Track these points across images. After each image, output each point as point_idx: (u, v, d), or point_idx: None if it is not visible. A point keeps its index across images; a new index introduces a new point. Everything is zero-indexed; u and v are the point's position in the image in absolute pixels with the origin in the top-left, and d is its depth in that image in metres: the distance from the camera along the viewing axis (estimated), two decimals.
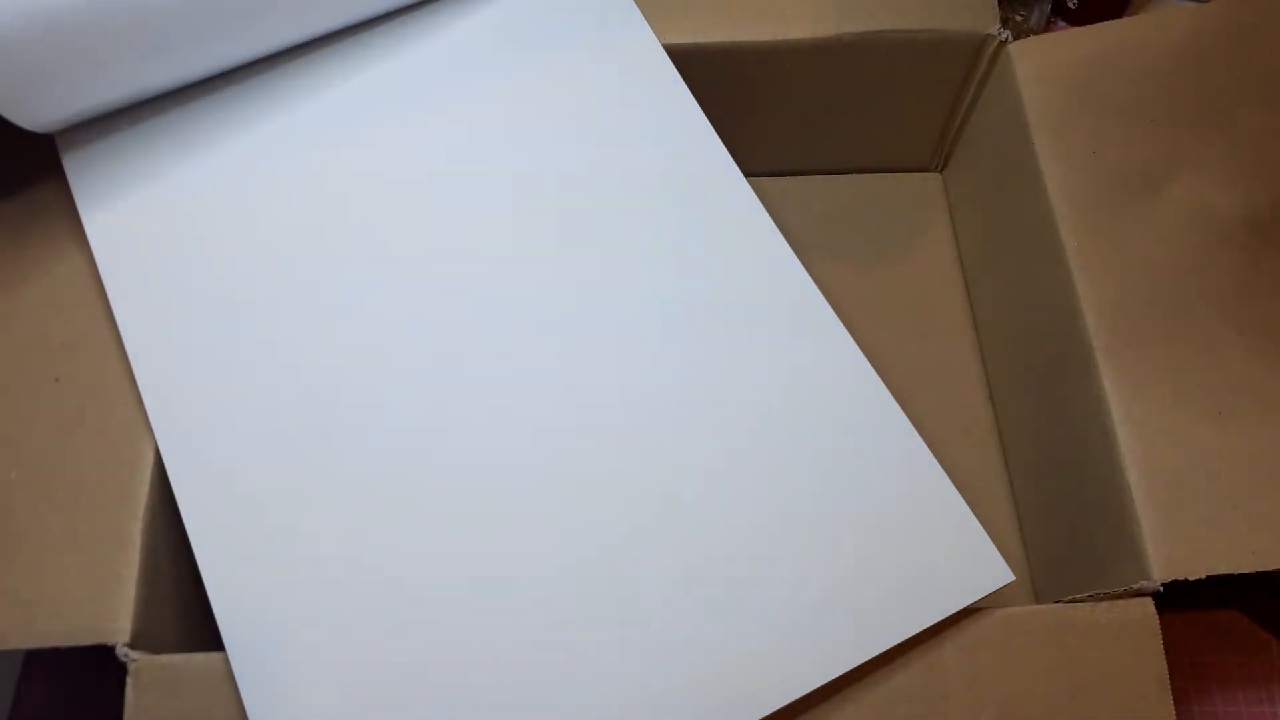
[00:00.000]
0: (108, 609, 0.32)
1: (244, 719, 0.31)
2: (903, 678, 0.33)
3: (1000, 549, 0.35)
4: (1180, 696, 0.33)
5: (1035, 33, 0.50)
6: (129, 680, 0.31)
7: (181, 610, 0.34)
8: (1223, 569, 0.33)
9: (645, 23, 0.40)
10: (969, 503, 0.35)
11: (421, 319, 0.36)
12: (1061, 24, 0.52)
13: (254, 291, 0.36)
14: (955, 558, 0.35)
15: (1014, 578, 0.35)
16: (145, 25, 0.35)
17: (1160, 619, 0.33)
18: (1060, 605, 0.34)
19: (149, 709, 0.31)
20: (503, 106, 0.39)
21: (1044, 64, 0.41)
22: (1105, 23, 0.42)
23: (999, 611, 0.34)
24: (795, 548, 0.34)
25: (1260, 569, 0.33)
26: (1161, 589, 0.33)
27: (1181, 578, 0.33)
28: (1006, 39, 0.42)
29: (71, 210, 0.37)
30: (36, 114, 0.36)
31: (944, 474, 0.36)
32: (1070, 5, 0.51)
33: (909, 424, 0.36)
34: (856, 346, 0.37)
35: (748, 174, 0.39)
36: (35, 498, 0.33)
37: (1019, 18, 0.50)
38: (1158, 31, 0.41)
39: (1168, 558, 0.33)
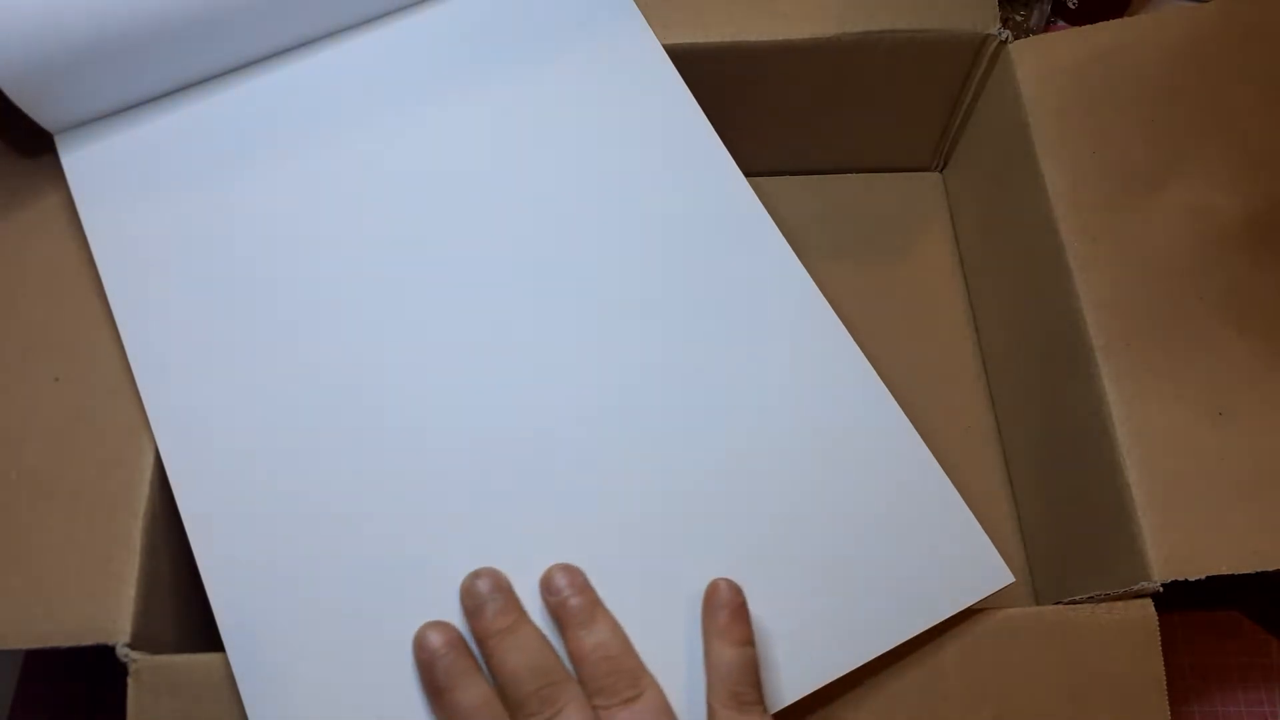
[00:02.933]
0: (108, 609, 0.32)
1: (244, 719, 0.31)
2: (903, 679, 0.33)
3: (1000, 550, 0.35)
4: (1180, 696, 0.33)
5: (1035, 33, 0.50)
6: (129, 680, 0.31)
7: (181, 610, 0.34)
8: (1223, 569, 0.33)
9: (645, 23, 0.40)
10: (969, 503, 0.35)
11: (421, 318, 0.36)
12: (1061, 24, 0.52)
13: (253, 291, 0.36)
14: (955, 559, 0.35)
15: (1014, 579, 0.35)
16: (166, 27, 0.35)
17: (1160, 619, 0.33)
18: (1060, 606, 0.34)
19: (149, 709, 0.31)
20: (503, 106, 0.39)
21: (1044, 64, 0.41)
22: (1105, 23, 0.42)
23: (999, 613, 0.34)
24: (795, 549, 0.34)
25: (1260, 569, 0.33)
26: (1161, 589, 0.33)
27: (1181, 578, 0.33)
28: (1006, 39, 0.42)
29: (71, 210, 0.37)
30: (57, 112, 0.36)
31: (944, 474, 0.36)
32: (1070, 5, 0.51)
33: (909, 424, 0.36)
34: (856, 346, 0.37)
35: (748, 174, 0.39)
36: (35, 498, 0.33)
37: (1019, 18, 0.50)
38: (1158, 31, 0.41)
39: (1168, 558, 0.33)
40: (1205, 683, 0.43)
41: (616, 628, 0.32)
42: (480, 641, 0.32)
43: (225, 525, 0.33)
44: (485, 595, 0.32)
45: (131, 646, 0.31)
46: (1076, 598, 0.35)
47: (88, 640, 0.31)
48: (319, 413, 0.35)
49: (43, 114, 0.36)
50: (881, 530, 0.35)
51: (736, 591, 0.32)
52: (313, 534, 0.33)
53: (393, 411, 0.35)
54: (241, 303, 0.36)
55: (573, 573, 0.33)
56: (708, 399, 0.36)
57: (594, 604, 0.32)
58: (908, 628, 0.33)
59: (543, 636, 0.32)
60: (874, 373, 0.37)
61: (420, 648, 0.31)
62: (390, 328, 0.36)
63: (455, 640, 0.31)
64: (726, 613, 0.32)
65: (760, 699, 0.31)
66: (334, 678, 0.32)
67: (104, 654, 0.31)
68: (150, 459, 0.34)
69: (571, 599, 0.32)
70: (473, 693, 0.31)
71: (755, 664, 0.31)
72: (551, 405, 0.35)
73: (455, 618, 0.32)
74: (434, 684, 0.31)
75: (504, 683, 0.31)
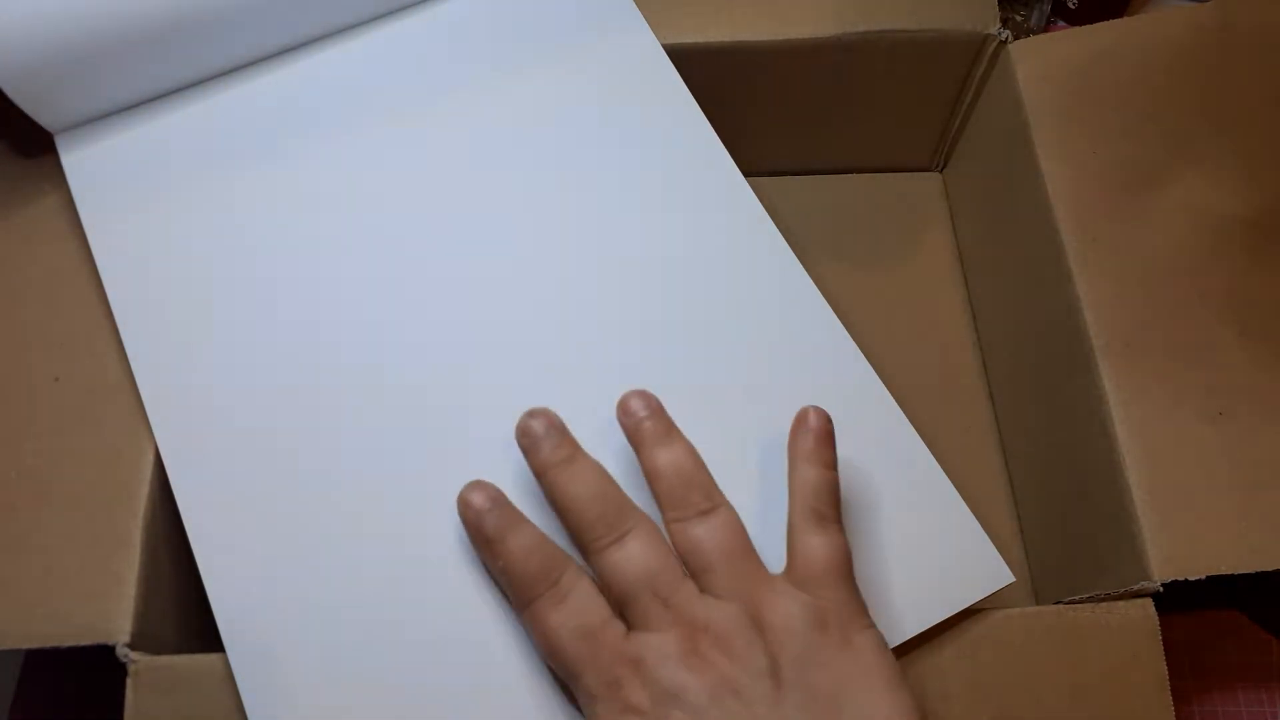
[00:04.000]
0: (108, 609, 0.32)
1: (244, 719, 0.31)
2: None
3: (1000, 550, 0.35)
4: (1180, 696, 0.33)
5: (1035, 33, 0.50)
6: (129, 681, 0.31)
7: (181, 610, 0.34)
8: (1223, 569, 0.33)
9: (645, 23, 0.40)
10: (969, 503, 0.35)
11: (420, 320, 0.36)
12: (1061, 24, 0.52)
13: (254, 291, 0.36)
14: (955, 559, 0.35)
15: (1014, 579, 0.35)
16: (167, 27, 0.36)
17: (1160, 619, 0.33)
18: (1060, 606, 0.34)
19: (149, 710, 0.31)
20: (502, 107, 0.39)
21: (1044, 64, 0.41)
22: (1105, 23, 0.42)
23: (999, 612, 0.34)
24: None
25: (1260, 569, 0.33)
26: (1161, 589, 0.33)
27: (1181, 578, 0.33)
28: (1006, 39, 0.42)
29: (71, 210, 0.37)
30: (57, 113, 0.36)
31: (944, 474, 0.36)
32: (1070, 5, 0.51)
33: (909, 424, 0.36)
34: (856, 347, 0.37)
35: (748, 174, 0.39)
36: (35, 498, 0.33)
37: (1019, 18, 0.50)
38: (1158, 31, 0.41)
39: (1168, 558, 0.33)
40: (1205, 683, 0.43)
41: (691, 449, 0.33)
42: (539, 474, 0.32)
43: (225, 525, 0.33)
44: (541, 432, 0.32)
45: (131, 646, 0.31)
46: (1076, 598, 0.35)
47: (88, 640, 0.31)
48: (320, 412, 0.35)
49: (43, 114, 0.36)
50: (881, 530, 0.35)
51: (825, 419, 0.33)
52: (313, 534, 0.33)
53: (393, 412, 0.35)
54: (242, 303, 0.36)
55: (648, 397, 0.33)
56: (706, 400, 0.36)
57: (670, 426, 0.33)
58: (908, 627, 0.33)
59: (601, 468, 0.32)
60: (874, 373, 0.37)
61: (466, 505, 0.31)
62: (390, 328, 0.36)
63: (500, 497, 0.32)
64: (813, 437, 0.32)
65: (839, 518, 0.32)
66: (334, 678, 0.32)
67: (104, 654, 0.31)
68: (150, 459, 0.34)
69: (646, 421, 0.33)
70: (525, 537, 0.31)
71: (837, 486, 0.32)
72: (551, 407, 0.35)
73: (457, 622, 0.32)
74: (483, 535, 0.31)
75: (565, 511, 0.31)
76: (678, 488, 0.32)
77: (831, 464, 0.32)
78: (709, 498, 0.32)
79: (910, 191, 0.51)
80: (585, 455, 0.32)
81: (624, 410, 0.33)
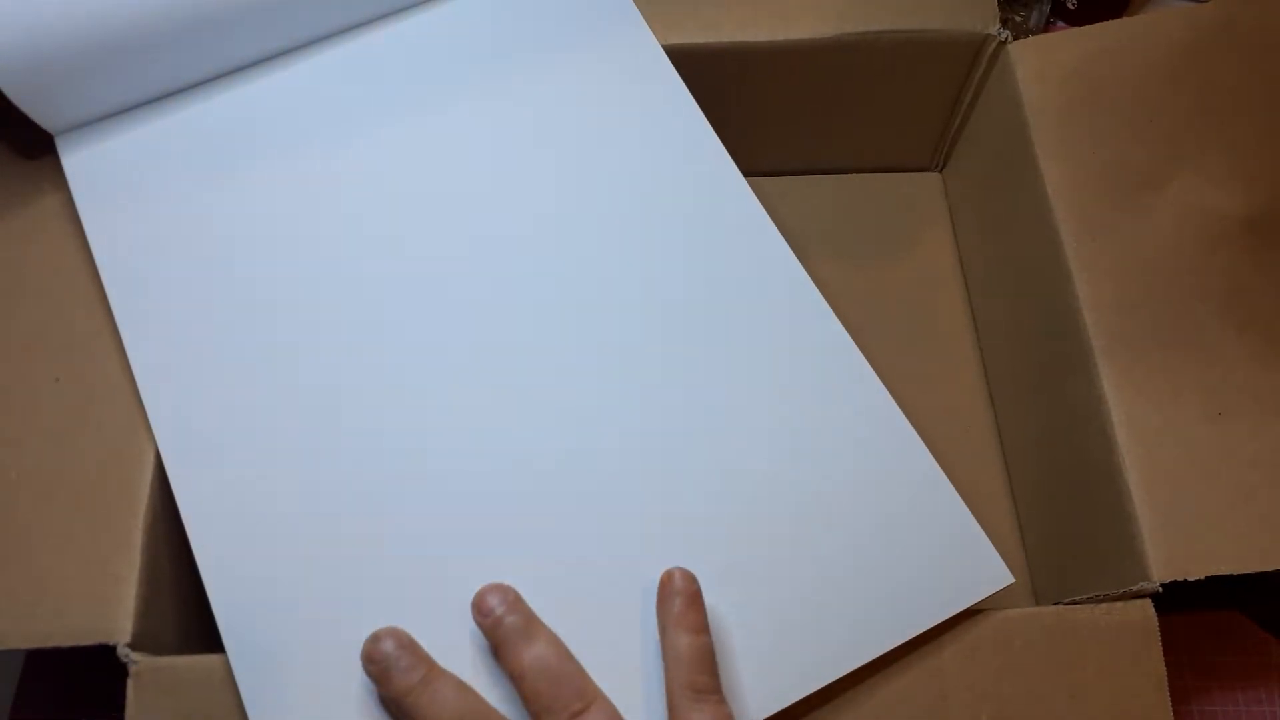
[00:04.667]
0: (109, 609, 0.32)
1: None
2: (902, 680, 0.33)
3: (1000, 550, 0.35)
4: (1180, 696, 0.33)
5: (1035, 33, 0.50)
6: (130, 681, 0.31)
7: (182, 611, 0.34)
8: (1222, 569, 0.33)
9: (645, 23, 0.40)
10: (969, 503, 0.35)
11: (420, 319, 0.36)
12: (1061, 24, 0.52)
13: (254, 291, 0.36)
14: (955, 560, 0.35)
15: (1014, 580, 0.35)
16: (168, 29, 0.36)
17: (1160, 619, 0.33)
18: (1060, 607, 0.34)
19: (149, 710, 0.31)
20: (502, 108, 0.39)
21: (1043, 64, 0.41)
22: (1105, 23, 0.42)
23: (998, 613, 0.34)
24: (794, 550, 0.34)
25: (1260, 569, 0.33)
26: (1160, 590, 0.33)
27: (1181, 578, 0.33)
28: (1006, 39, 0.42)
29: (72, 211, 0.37)
30: (58, 114, 0.36)
31: (944, 475, 0.36)
32: (1069, 5, 0.51)
33: (909, 424, 0.36)
34: (856, 347, 0.37)
35: (748, 174, 0.39)
36: (35, 498, 0.33)
37: (1018, 18, 0.50)
38: (1157, 31, 0.41)
39: (1167, 558, 0.33)
40: (1205, 683, 0.43)
41: (555, 640, 0.31)
42: (396, 701, 0.30)
43: (225, 525, 0.33)
44: (392, 654, 0.31)
45: (132, 647, 0.31)
46: (1076, 598, 0.35)
47: (88, 640, 0.31)
48: (319, 413, 0.35)
49: (43, 115, 0.36)
50: (881, 531, 0.35)
51: (690, 580, 0.32)
52: (313, 534, 0.33)
53: (391, 413, 0.35)
54: (241, 303, 0.36)
55: (504, 590, 0.32)
56: (706, 399, 0.36)
57: (529, 619, 0.32)
58: (908, 628, 0.33)
59: (460, 683, 0.31)
60: (873, 373, 0.37)
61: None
62: (389, 330, 0.36)
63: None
64: (681, 601, 0.32)
65: (716, 687, 0.31)
66: (334, 679, 0.32)
67: (105, 654, 0.31)
68: (150, 459, 0.34)
69: (506, 617, 0.31)
70: None
71: (710, 652, 0.31)
72: (549, 407, 0.35)
73: (454, 614, 0.32)
74: None
75: None
76: (545, 690, 0.30)
77: (701, 628, 0.31)
78: (580, 695, 0.30)
79: (910, 191, 0.51)
80: (440, 672, 0.31)
81: (479, 610, 0.32)
